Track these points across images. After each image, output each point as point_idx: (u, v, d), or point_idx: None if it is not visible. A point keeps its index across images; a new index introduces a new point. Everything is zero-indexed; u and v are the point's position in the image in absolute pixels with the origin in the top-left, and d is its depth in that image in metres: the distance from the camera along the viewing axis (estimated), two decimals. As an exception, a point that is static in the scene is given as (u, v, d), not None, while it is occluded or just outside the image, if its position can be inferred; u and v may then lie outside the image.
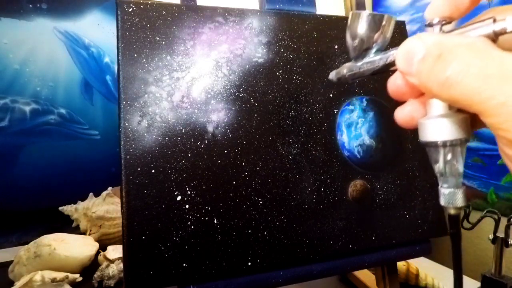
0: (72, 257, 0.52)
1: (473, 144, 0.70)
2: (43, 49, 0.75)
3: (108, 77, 0.83)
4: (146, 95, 0.30)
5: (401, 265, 0.52)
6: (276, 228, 0.32)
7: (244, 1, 0.55)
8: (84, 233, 0.63)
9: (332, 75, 0.24)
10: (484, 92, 0.14)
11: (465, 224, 0.45)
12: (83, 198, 0.67)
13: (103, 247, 0.58)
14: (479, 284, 0.46)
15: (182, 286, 0.29)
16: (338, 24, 0.39)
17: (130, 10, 0.31)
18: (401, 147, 0.39)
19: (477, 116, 0.15)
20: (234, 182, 0.32)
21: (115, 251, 0.55)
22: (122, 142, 0.29)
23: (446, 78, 0.15)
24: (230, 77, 0.33)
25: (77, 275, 0.49)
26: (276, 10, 0.37)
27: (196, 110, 0.31)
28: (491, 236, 0.44)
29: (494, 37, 0.15)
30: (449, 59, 0.15)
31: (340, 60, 0.38)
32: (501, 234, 0.43)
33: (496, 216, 0.43)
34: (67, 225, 0.66)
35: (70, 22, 0.77)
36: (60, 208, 0.66)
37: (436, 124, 0.17)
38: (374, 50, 0.21)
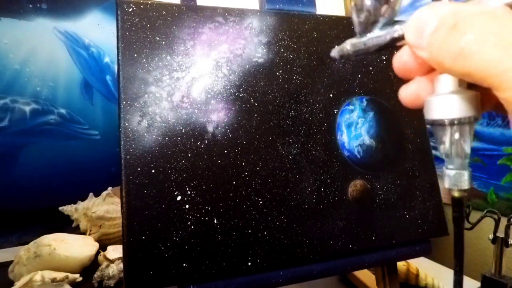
0: (72, 257, 0.52)
1: (473, 144, 0.70)
2: (43, 49, 0.75)
3: (108, 77, 0.83)
4: (146, 95, 0.30)
5: (401, 265, 0.52)
6: (276, 228, 0.32)
7: (244, 1, 0.55)
8: (84, 233, 0.63)
9: (334, 52, 0.22)
10: (502, 63, 0.13)
11: (465, 224, 0.45)
12: (83, 198, 0.67)
13: (103, 247, 0.58)
14: (479, 284, 0.46)
15: (182, 286, 0.29)
16: (338, 24, 0.39)
17: (130, 10, 0.31)
18: (401, 147, 0.39)
19: (488, 95, 0.14)
20: (234, 182, 0.32)
21: (115, 251, 0.55)
22: (122, 142, 0.29)
23: (461, 49, 0.14)
24: (230, 77, 0.33)
25: (77, 275, 0.49)
26: (276, 10, 0.37)
27: (196, 110, 0.31)
28: (491, 236, 0.44)
29: None
30: (464, 28, 0.14)
31: (340, 60, 0.38)
32: (501, 234, 0.43)
33: (496, 216, 0.43)
34: (67, 225, 0.66)
35: (70, 22, 0.77)
36: (60, 208, 0.66)
37: (445, 101, 0.16)
38: (381, 24, 0.19)
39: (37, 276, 0.45)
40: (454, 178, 0.17)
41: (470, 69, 0.14)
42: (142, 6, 0.32)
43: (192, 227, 0.30)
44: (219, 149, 0.32)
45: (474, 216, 0.45)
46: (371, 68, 0.38)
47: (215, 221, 0.30)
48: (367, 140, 0.37)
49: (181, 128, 0.31)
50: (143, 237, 0.28)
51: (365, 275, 0.51)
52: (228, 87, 0.33)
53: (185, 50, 0.32)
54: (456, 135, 0.16)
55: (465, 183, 0.17)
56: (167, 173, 0.30)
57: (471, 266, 0.72)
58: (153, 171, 0.29)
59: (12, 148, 0.74)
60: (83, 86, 0.80)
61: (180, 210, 0.30)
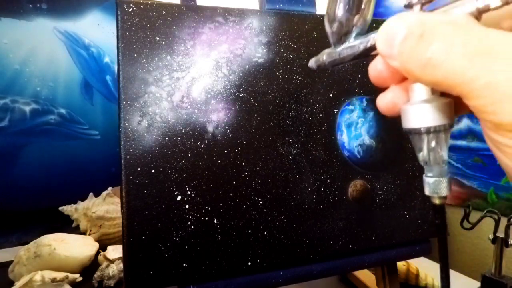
0: (72, 257, 0.52)
1: (473, 144, 0.70)
2: (43, 49, 0.75)
3: (108, 77, 0.83)
4: (146, 95, 0.30)
5: (401, 265, 0.52)
6: (276, 228, 0.32)
7: (244, 1, 0.55)
8: (84, 233, 0.63)
9: (312, 63, 0.22)
10: (468, 72, 0.13)
11: (465, 224, 0.45)
12: (83, 198, 0.67)
13: (103, 247, 0.58)
14: (479, 284, 0.46)
15: (182, 286, 0.29)
16: (338, 24, 0.38)
17: (130, 10, 0.31)
18: (401, 147, 0.39)
19: (461, 100, 0.14)
20: (234, 182, 0.32)
21: (115, 251, 0.55)
22: (122, 142, 0.29)
23: (428, 59, 0.14)
24: (230, 77, 0.33)
25: (77, 275, 0.49)
26: (276, 10, 0.37)
27: (196, 110, 0.31)
28: (491, 236, 0.44)
29: (478, 15, 0.15)
30: (431, 38, 0.14)
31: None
32: (501, 234, 0.43)
33: (496, 216, 0.43)
34: (67, 225, 0.66)
35: (70, 22, 0.77)
36: (60, 208, 0.66)
37: (419, 110, 0.16)
38: (354, 34, 0.19)
39: (37, 276, 0.45)
40: (433, 186, 0.17)
41: (438, 78, 0.14)
42: (142, 6, 0.32)
43: (192, 227, 0.30)
44: (219, 149, 0.32)
45: (474, 216, 0.45)
46: (371, 68, 0.38)
47: (215, 221, 0.30)
48: (367, 140, 0.37)
49: (181, 128, 0.31)
50: (143, 237, 0.28)
51: (365, 275, 0.51)
52: (228, 87, 0.33)
53: (185, 50, 0.32)
54: (433, 143, 0.17)
55: (444, 190, 0.17)
56: (167, 173, 0.30)
57: (471, 266, 0.72)
58: (153, 171, 0.29)
59: (12, 148, 0.74)
60: (83, 86, 0.80)
61: (180, 210, 0.30)
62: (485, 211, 0.44)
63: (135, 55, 0.31)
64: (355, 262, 0.36)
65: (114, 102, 0.83)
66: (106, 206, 0.64)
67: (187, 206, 0.30)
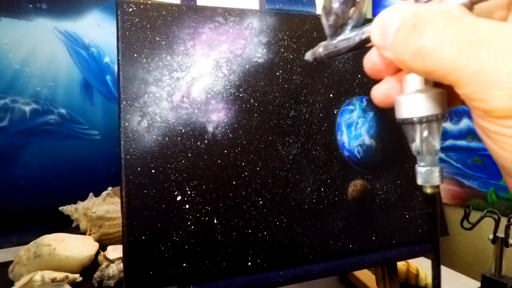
0: (72, 257, 0.52)
1: (473, 144, 0.70)
2: (43, 49, 0.75)
3: (108, 77, 0.83)
4: (146, 95, 0.30)
5: (401, 265, 0.52)
6: (276, 228, 0.32)
7: (244, 1, 0.55)
8: (84, 233, 0.63)
9: (308, 56, 0.23)
10: (458, 60, 0.13)
11: (465, 224, 0.45)
12: (83, 198, 0.67)
13: (103, 247, 0.58)
14: (479, 284, 0.46)
15: (182, 286, 0.29)
16: (338, 24, 0.38)
17: (130, 10, 0.31)
18: (401, 147, 0.39)
19: (454, 92, 0.15)
20: (234, 182, 0.32)
21: (115, 251, 0.55)
22: (122, 142, 0.29)
23: (420, 48, 0.14)
24: (230, 77, 0.33)
25: (77, 275, 0.49)
26: (276, 10, 0.37)
27: (196, 110, 0.31)
28: (491, 236, 0.44)
29: (470, 6, 0.15)
30: (423, 28, 0.14)
31: (340, 59, 0.38)
32: (501, 234, 0.43)
33: (496, 216, 0.43)
34: (67, 225, 0.66)
35: (70, 22, 0.78)
36: (60, 208, 0.66)
37: (412, 100, 0.17)
38: (349, 26, 0.20)
39: (37, 276, 0.45)
40: (425, 175, 0.17)
41: (430, 67, 0.14)
42: (142, 6, 0.32)
43: (192, 227, 0.30)
44: (219, 149, 0.32)
45: (474, 216, 0.45)
46: (371, 68, 0.38)
47: (215, 221, 0.30)
48: (367, 140, 0.37)
49: (181, 128, 0.31)
50: (143, 237, 0.28)
51: (365, 275, 0.51)
52: (228, 87, 0.33)
53: (185, 50, 0.32)
54: (425, 133, 0.17)
55: (436, 179, 0.17)
56: (167, 173, 0.30)
57: (471, 266, 0.72)
58: (153, 171, 0.29)
59: (12, 148, 0.74)
60: (83, 86, 0.80)
61: (180, 210, 0.30)
62: (485, 211, 0.44)
63: (135, 55, 0.31)
64: (355, 262, 0.36)
65: (114, 102, 0.83)
66: (106, 206, 0.64)
67: (187, 206, 0.30)
